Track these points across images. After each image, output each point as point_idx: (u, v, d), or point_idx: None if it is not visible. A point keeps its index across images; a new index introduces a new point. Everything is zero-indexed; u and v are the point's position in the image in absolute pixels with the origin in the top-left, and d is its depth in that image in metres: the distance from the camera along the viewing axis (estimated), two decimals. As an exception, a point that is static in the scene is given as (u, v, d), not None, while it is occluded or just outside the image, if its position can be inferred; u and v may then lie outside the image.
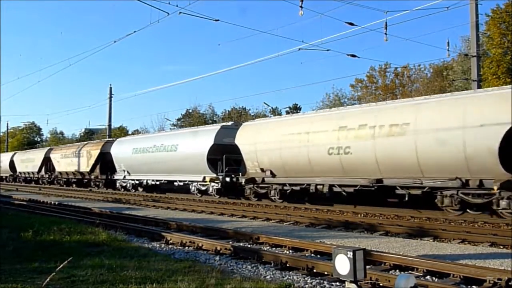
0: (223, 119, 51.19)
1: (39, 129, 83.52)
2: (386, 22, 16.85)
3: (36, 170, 42.29)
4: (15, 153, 50.74)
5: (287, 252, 8.03)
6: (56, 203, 19.11)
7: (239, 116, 47.28)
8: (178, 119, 55.42)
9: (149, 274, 5.80)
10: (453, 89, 27.95)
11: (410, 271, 6.35)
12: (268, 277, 6.17)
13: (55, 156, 38.38)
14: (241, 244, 8.81)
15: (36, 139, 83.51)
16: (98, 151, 31.33)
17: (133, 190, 26.97)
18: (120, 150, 28.86)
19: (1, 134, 72.96)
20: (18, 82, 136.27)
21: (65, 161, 36.28)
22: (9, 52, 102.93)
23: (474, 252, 8.04)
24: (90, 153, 32.33)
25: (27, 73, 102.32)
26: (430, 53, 75.57)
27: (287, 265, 6.81)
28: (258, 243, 8.87)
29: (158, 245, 8.88)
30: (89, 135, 66.31)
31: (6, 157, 50.66)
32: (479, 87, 17.81)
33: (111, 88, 40.42)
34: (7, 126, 71.01)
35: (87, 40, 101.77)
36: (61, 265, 5.21)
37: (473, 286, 5.70)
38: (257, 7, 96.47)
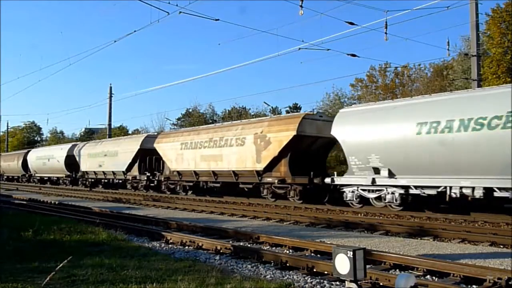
0: (223, 118, 51.18)
1: (39, 128, 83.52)
2: (386, 22, 16.87)
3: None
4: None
5: (287, 252, 8.03)
6: (56, 202, 19.12)
7: (239, 116, 47.23)
8: (178, 119, 55.38)
9: (149, 274, 5.80)
10: (453, 88, 27.95)
11: (410, 271, 6.35)
12: (268, 276, 6.17)
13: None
14: (241, 243, 8.81)
15: (36, 138, 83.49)
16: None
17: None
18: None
19: (1, 133, 73.04)
20: (18, 82, 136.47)
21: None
22: (9, 52, 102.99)
23: (474, 251, 8.04)
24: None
25: (27, 73, 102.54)
26: (430, 52, 75.43)
27: (287, 264, 6.81)
28: (258, 243, 8.87)
29: (158, 245, 8.88)
30: (89, 134, 66.26)
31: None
32: (479, 86, 17.81)
33: (111, 87, 40.43)
34: (7, 126, 71.07)
35: (87, 40, 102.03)
36: (61, 265, 5.21)
37: (473, 286, 5.70)
38: (257, 7, 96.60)
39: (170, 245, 8.84)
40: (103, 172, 31.30)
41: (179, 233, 9.70)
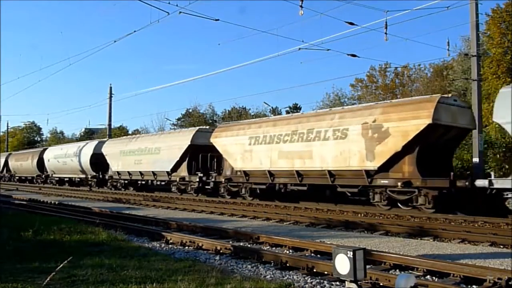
0: (223, 118, 51.19)
1: (39, 128, 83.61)
2: (386, 22, 16.86)
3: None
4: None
5: (287, 252, 8.03)
6: (56, 202, 19.11)
7: (239, 116, 47.26)
8: (178, 119, 55.40)
9: (149, 274, 5.80)
10: (453, 88, 27.96)
11: (410, 271, 6.35)
12: (268, 276, 6.17)
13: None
14: (241, 243, 8.81)
15: (36, 138, 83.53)
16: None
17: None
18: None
19: (1, 133, 73.03)
20: (18, 82, 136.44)
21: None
22: (9, 52, 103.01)
23: (474, 251, 8.05)
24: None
25: (27, 73, 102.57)
26: (430, 52, 75.58)
27: (287, 264, 6.81)
28: (258, 243, 8.87)
29: (158, 245, 8.88)
30: (89, 134, 66.30)
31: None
32: (479, 86, 17.82)
33: (111, 87, 40.40)
34: (7, 126, 71.03)
35: (87, 40, 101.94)
36: (61, 265, 5.21)
37: (473, 286, 5.70)
38: (257, 7, 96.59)
39: (170, 245, 8.83)
40: (140, 172, 27.02)
41: (179, 233, 9.69)
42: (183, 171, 23.75)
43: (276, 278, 6.05)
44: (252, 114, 49.58)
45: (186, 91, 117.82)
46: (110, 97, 40.08)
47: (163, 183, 26.34)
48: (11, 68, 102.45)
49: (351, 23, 17.75)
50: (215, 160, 22.10)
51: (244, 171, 19.58)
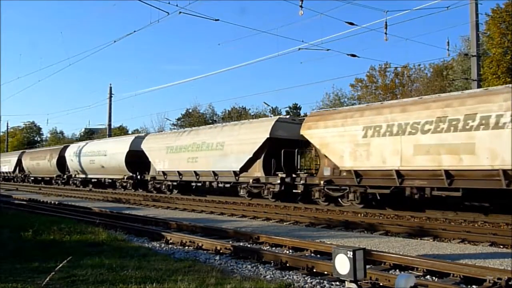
0: (223, 118, 51.21)
1: (39, 128, 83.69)
2: (386, 22, 16.91)
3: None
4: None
5: (287, 252, 8.03)
6: (56, 202, 19.12)
7: (239, 116, 47.28)
8: (178, 119, 55.41)
9: (149, 274, 5.80)
10: (453, 89, 27.97)
11: (410, 271, 6.35)
12: (268, 276, 6.17)
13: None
14: (241, 243, 8.81)
15: (36, 138, 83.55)
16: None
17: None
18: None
19: (1, 134, 73.03)
20: (18, 82, 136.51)
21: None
22: (9, 52, 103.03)
23: (474, 251, 8.05)
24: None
25: (27, 73, 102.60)
26: (430, 52, 75.61)
27: (287, 264, 6.81)
28: (258, 243, 8.87)
29: (158, 245, 8.88)
30: (89, 134, 66.30)
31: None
32: (479, 86, 17.82)
33: (111, 87, 40.40)
34: (7, 126, 71.00)
35: (87, 40, 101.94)
36: (61, 265, 5.22)
37: (473, 286, 5.70)
38: (257, 7, 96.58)
39: (170, 245, 8.84)
40: (194, 172, 22.11)
41: (179, 233, 9.69)
42: (256, 171, 19.16)
43: (276, 278, 6.05)
44: (252, 114, 49.61)
45: (186, 91, 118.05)
46: (110, 97, 40.12)
47: (227, 185, 20.96)
48: (11, 68, 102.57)
49: (351, 23, 17.80)
50: (298, 157, 18.58)
51: (355, 171, 15.06)
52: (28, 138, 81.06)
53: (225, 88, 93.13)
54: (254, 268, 6.69)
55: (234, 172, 19.86)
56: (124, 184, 27.91)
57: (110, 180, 29.83)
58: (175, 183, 23.99)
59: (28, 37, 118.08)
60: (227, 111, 54.61)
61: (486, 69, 22.56)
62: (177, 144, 23.67)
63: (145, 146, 25.99)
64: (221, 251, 7.92)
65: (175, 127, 50.98)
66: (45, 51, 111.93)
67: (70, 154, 34.33)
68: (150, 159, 25.49)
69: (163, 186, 24.62)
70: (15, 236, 8.96)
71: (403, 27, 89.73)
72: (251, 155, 19.11)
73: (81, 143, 36.42)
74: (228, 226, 11.30)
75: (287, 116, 21.60)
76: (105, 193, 26.12)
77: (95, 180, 31.45)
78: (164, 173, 24.30)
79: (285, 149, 18.12)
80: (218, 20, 17.81)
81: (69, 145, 37.67)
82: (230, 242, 8.85)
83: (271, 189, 18.38)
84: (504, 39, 23.33)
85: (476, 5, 17.92)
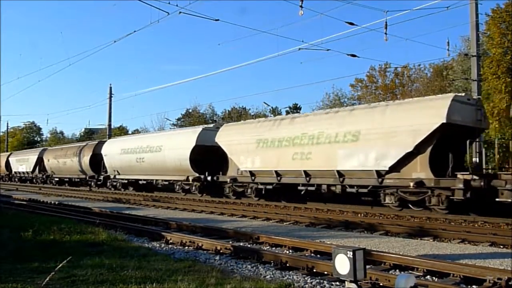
0: (223, 118, 51.20)
1: (39, 129, 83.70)
2: (386, 22, 16.90)
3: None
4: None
5: (287, 252, 8.03)
6: (56, 202, 19.11)
7: (239, 116, 47.27)
8: (178, 119, 55.40)
9: (149, 274, 5.80)
10: (453, 89, 27.96)
11: (410, 271, 6.35)
12: (268, 276, 6.17)
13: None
14: (241, 243, 8.81)
15: (36, 138, 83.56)
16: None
17: None
18: None
19: (1, 134, 73.02)
20: (18, 82, 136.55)
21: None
22: (9, 52, 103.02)
23: (474, 251, 8.04)
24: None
25: (27, 73, 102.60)
26: (430, 53, 75.67)
27: (287, 264, 6.81)
28: (258, 243, 8.87)
29: (158, 245, 8.88)
30: (89, 134, 66.30)
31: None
32: (479, 87, 17.83)
33: (111, 88, 40.38)
34: (7, 126, 70.96)
35: (87, 40, 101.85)
36: (61, 265, 5.22)
37: (473, 286, 5.70)
38: (257, 7, 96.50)
39: (170, 246, 8.83)
40: (304, 172, 17.03)
41: (179, 233, 9.69)
42: (418, 168, 13.93)
43: (276, 278, 6.05)
44: (252, 114, 49.60)
45: (186, 91, 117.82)
46: (110, 97, 40.11)
47: (362, 190, 15.47)
48: (11, 68, 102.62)
49: (351, 23, 17.80)
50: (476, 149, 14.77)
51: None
52: (28, 138, 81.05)
53: (225, 88, 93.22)
54: (254, 268, 6.69)
55: (378, 172, 14.73)
56: (187, 187, 23.14)
57: (165, 182, 25.39)
58: (269, 186, 18.65)
59: (28, 37, 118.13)
60: (227, 111, 54.63)
61: (486, 69, 22.51)
62: (273, 136, 18.58)
63: (221, 139, 20.92)
64: (221, 251, 7.92)
65: (175, 127, 50.93)
66: (45, 51, 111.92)
67: (108, 151, 29.30)
68: (229, 157, 20.54)
69: (248, 190, 19.56)
70: (15, 236, 8.96)
71: (403, 27, 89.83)
72: (411, 149, 13.88)
73: (124, 137, 32.35)
74: (228, 226, 11.30)
75: (463, 94, 15.31)
76: (105, 193, 26.09)
77: (144, 182, 26.75)
78: (251, 172, 19.28)
79: (470, 139, 14.26)
80: (218, 20, 17.82)
81: (105, 140, 32.56)
82: (230, 242, 8.85)
83: (443, 196, 13.19)
84: (504, 39, 23.29)
85: (476, 5, 17.92)
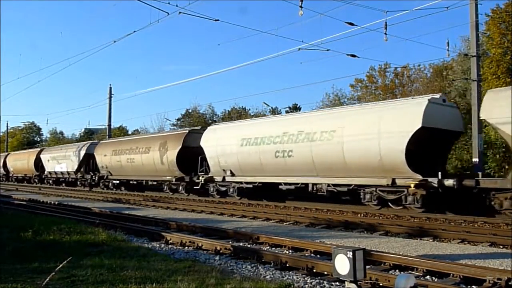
0: (223, 119, 51.17)
1: (39, 129, 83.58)
2: (386, 22, 16.84)
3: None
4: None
5: (287, 252, 8.03)
6: (56, 203, 19.11)
7: (238, 116, 47.26)
8: (178, 119, 55.35)
9: (149, 274, 5.80)
10: (453, 89, 27.96)
11: (410, 271, 6.35)
12: (268, 277, 6.17)
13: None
14: (241, 244, 8.81)
15: (36, 139, 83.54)
16: None
17: None
18: None
19: (1, 134, 73.01)
20: (18, 82, 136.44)
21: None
22: (9, 52, 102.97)
23: (474, 252, 8.05)
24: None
25: (27, 73, 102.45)
26: (430, 53, 75.32)
27: (287, 265, 6.81)
28: (258, 243, 8.87)
29: (158, 245, 8.88)
30: (89, 135, 66.26)
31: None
32: (479, 87, 17.81)
33: (111, 88, 40.29)
34: (7, 126, 70.89)
35: (87, 40, 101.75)
36: (61, 265, 5.21)
37: (473, 286, 5.71)
38: (257, 7, 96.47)
39: (169, 246, 8.84)
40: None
41: (178, 234, 9.70)
42: None
43: (276, 278, 6.05)
44: (252, 114, 49.60)
45: (186, 91, 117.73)
46: (110, 97, 40.03)
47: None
48: (11, 68, 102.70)
49: (351, 23, 17.74)
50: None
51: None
52: (28, 139, 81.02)
53: (225, 88, 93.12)
54: (254, 268, 6.69)
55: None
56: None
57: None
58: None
59: (28, 37, 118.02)
60: (227, 111, 54.60)
61: (486, 69, 22.52)
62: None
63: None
64: (221, 251, 7.92)
65: (174, 127, 50.93)
66: (45, 51, 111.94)
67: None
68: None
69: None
70: (15, 236, 8.96)
71: (403, 27, 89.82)
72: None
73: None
74: (228, 226, 11.30)
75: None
76: (105, 194, 26.08)
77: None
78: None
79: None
80: (218, 20, 17.78)
81: (207, 127, 24.04)
82: (230, 242, 8.85)
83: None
84: (504, 39, 23.30)
85: (476, 5, 17.90)
